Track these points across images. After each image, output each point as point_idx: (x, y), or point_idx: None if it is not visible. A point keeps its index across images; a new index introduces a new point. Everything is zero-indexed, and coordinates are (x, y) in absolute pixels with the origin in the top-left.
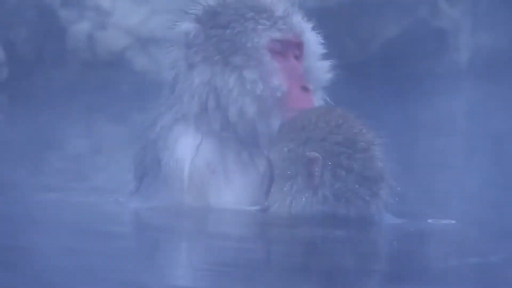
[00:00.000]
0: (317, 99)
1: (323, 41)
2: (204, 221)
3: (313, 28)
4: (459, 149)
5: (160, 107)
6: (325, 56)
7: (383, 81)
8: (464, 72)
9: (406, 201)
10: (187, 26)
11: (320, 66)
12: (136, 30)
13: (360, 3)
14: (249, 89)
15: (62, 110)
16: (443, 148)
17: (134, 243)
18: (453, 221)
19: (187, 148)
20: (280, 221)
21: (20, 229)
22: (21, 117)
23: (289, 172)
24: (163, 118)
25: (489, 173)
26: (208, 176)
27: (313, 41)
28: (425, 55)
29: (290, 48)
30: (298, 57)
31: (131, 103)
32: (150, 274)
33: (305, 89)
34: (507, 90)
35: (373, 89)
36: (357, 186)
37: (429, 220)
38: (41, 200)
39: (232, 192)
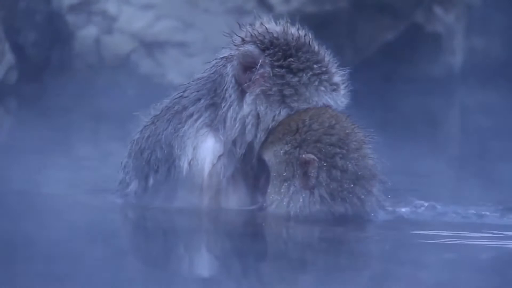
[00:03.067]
0: None
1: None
2: (218, 220)
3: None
4: (453, 150)
5: (173, 106)
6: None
7: (381, 84)
8: (458, 75)
9: (402, 197)
10: (252, 50)
11: None
12: (141, 35)
13: (357, 9)
14: None
15: (69, 112)
16: (438, 148)
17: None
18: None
19: (211, 153)
20: (279, 220)
21: (29, 231)
22: (30, 119)
23: (285, 174)
24: (191, 119)
25: (482, 173)
26: (222, 180)
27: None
28: (420, 58)
29: None
30: None
31: (136, 105)
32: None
33: None
34: (501, 92)
35: (370, 91)
36: (352, 185)
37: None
38: (49, 201)
39: (237, 195)
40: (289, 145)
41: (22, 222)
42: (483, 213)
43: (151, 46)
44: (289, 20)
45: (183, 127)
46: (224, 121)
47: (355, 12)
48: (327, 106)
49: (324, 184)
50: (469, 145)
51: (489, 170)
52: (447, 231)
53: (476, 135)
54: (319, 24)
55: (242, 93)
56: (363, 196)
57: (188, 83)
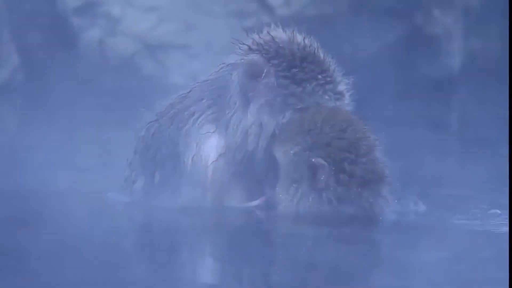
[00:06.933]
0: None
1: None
2: (225, 218)
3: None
4: (452, 151)
5: (177, 104)
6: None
7: (380, 86)
8: (457, 76)
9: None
10: (258, 59)
11: None
12: (144, 37)
13: (357, 11)
14: None
15: (74, 112)
16: (437, 149)
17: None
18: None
19: (214, 149)
20: (285, 219)
21: (36, 229)
22: (35, 119)
23: (294, 175)
24: (193, 117)
25: (481, 174)
26: (225, 176)
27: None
28: (419, 60)
29: None
30: None
31: (139, 106)
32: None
33: None
34: (499, 93)
35: (369, 93)
36: (359, 189)
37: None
38: (54, 200)
39: (240, 192)
40: (300, 146)
41: (28, 219)
42: (488, 212)
43: (154, 48)
44: (295, 29)
45: (186, 125)
46: (227, 128)
47: (355, 14)
48: (340, 107)
49: (331, 187)
50: (468, 147)
51: (492, 171)
52: (449, 232)
53: (475, 137)
54: (319, 26)
55: (246, 102)
56: (371, 200)
57: (193, 84)
